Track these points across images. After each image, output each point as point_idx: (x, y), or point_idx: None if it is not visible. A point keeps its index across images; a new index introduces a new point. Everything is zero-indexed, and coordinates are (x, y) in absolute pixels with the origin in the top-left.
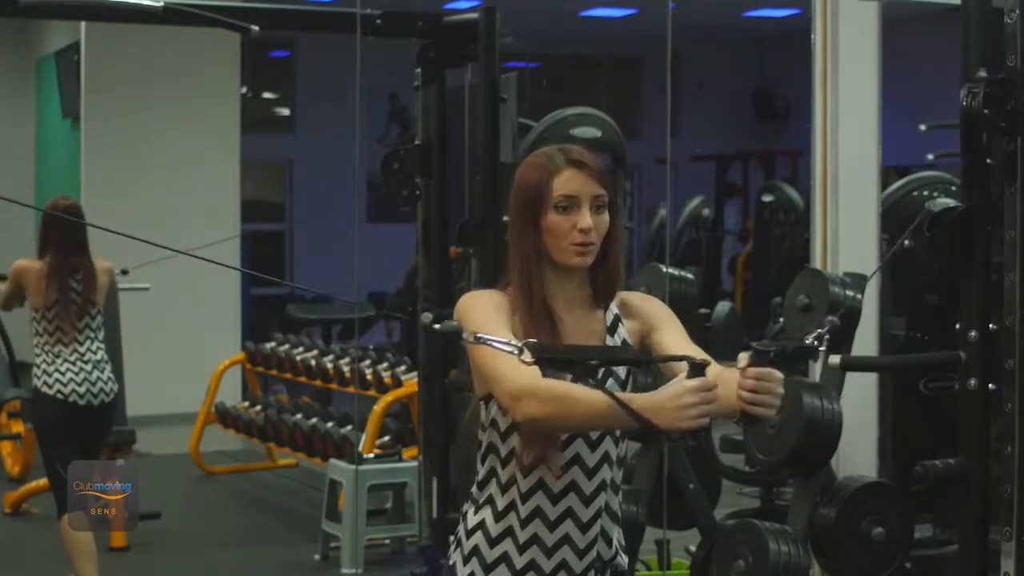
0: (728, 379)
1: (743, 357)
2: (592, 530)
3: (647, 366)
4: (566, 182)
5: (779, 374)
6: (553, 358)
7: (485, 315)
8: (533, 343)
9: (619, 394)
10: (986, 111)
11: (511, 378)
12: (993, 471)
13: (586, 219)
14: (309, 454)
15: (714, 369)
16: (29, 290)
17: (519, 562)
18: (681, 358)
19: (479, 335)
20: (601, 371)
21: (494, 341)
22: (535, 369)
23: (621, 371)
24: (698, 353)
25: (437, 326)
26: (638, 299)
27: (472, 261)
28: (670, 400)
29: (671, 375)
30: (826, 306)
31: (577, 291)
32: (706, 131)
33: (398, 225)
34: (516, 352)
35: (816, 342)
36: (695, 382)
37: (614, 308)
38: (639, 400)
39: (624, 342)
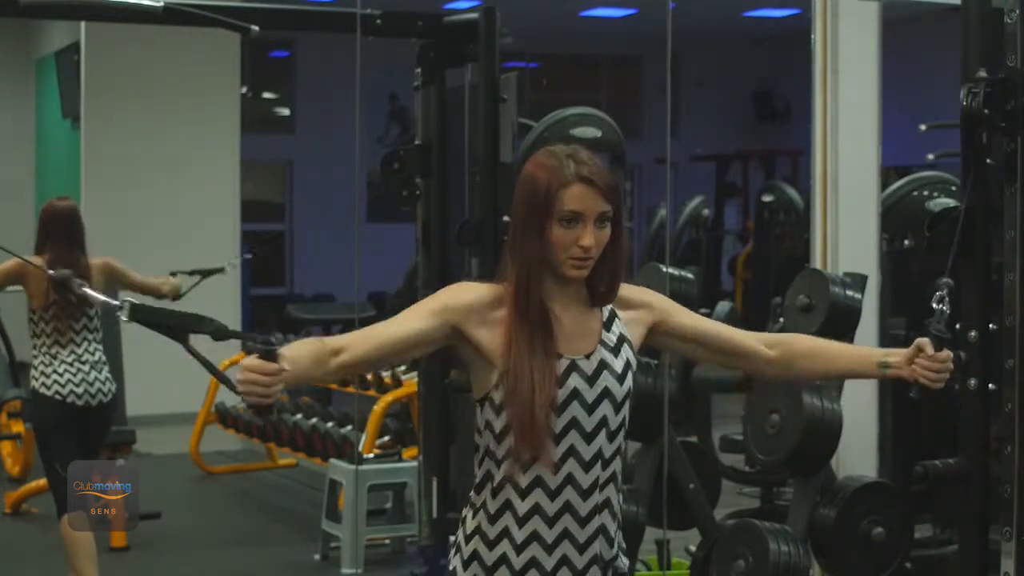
0: (819, 348)
1: (927, 342)
2: (591, 525)
3: (225, 339)
4: (574, 198)
5: (951, 354)
6: (145, 319)
7: (425, 302)
8: (132, 304)
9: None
10: (986, 111)
11: None
12: (993, 471)
13: (588, 238)
14: (309, 454)
15: (770, 338)
16: (28, 291)
17: (518, 562)
18: (247, 336)
19: (81, 285)
20: (565, 363)
21: (95, 296)
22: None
23: (617, 365)
24: (734, 328)
25: (51, 272)
26: (633, 291)
27: (472, 261)
28: (238, 371)
29: (735, 351)
30: (826, 306)
31: (576, 292)
32: (706, 131)
33: (398, 225)
34: (118, 310)
35: (943, 306)
36: (251, 361)
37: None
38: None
39: (620, 336)
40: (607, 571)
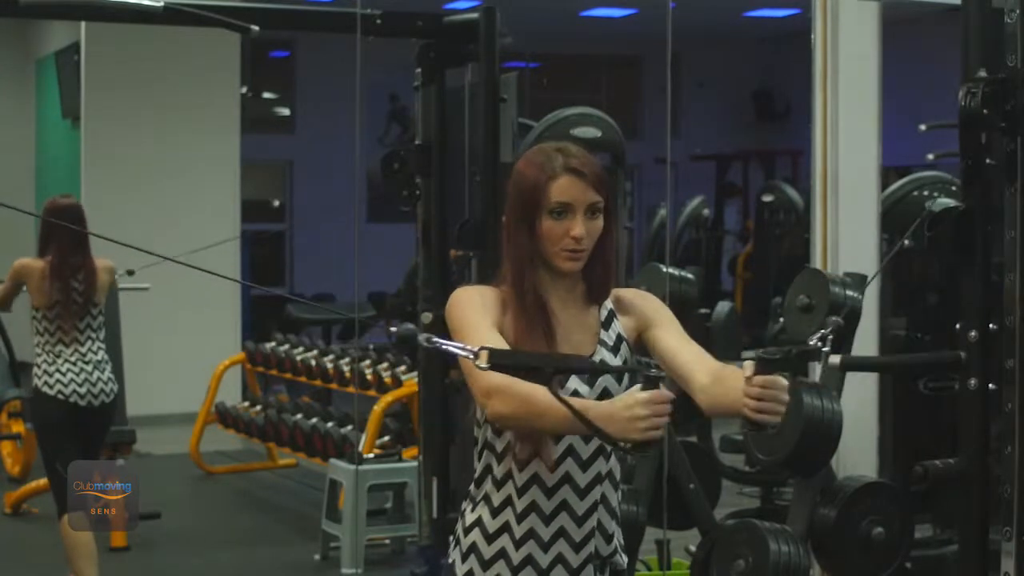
0: (728, 377)
1: (748, 366)
2: (588, 523)
3: (601, 375)
4: (562, 189)
5: (784, 381)
6: (508, 364)
7: (470, 311)
8: (489, 349)
9: (577, 401)
10: (986, 111)
11: (484, 374)
12: (993, 471)
13: (578, 228)
14: (309, 454)
15: (713, 367)
16: (31, 290)
17: (516, 557)
18: (634, 370)
19: (433, 339)
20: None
21: (450, 345)
22: None
23: (616, 364)
24: (698, 352)
25: (393, 328)
26: (634, 296)
27: (472, 262)
28: (622, 411)
29: (678, 373)
30: (826, 306)
31: (571, 289)
32: (706, 131)
33: (398, 225)
34: (472, 357)
35: (820, 343)
36: (647, 394)
37: (608, 304)
38: (595, 409)
39: (619, 336)
40: (604, 568)
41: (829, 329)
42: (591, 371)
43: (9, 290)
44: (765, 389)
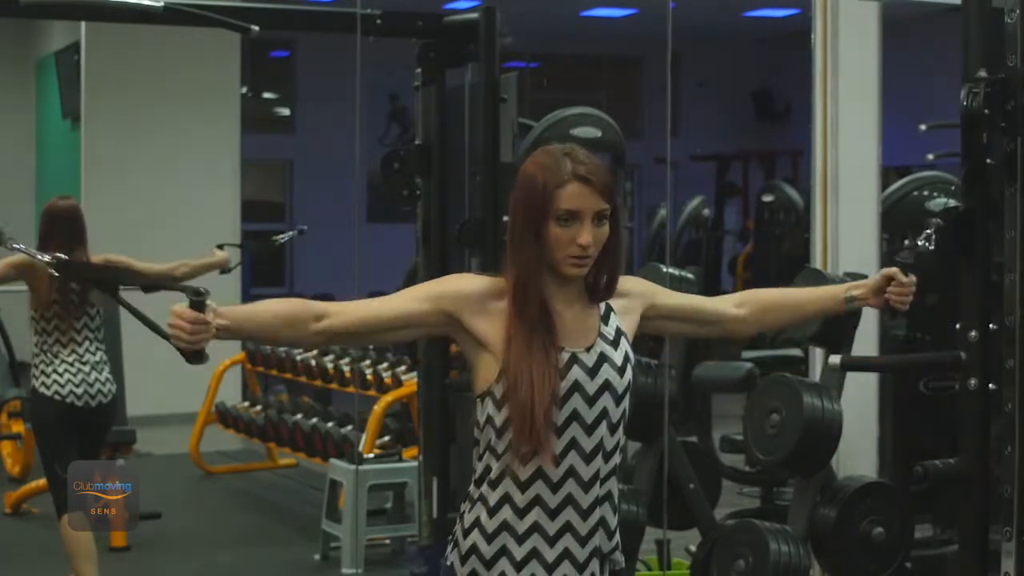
0: (780, 298)
1: (896, 271)
2: (593, 517)
3: (155, 290)
4: (570, 197)
5: (913, 278)
6: (78, 275)
7: (422, 288)
8: (61, 259)
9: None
10: (986, 111)
11: None
12: (993, 471)
13: (586, 236)
14: (309, 454)
15: (735, 299)
16: (31, 290)
17: (519, 553)
18: (182, 289)
19: (16, 244)
20: (566, 356)
21: (29, 251)
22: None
23: (617, 358)
24: (704, 297)
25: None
26: (620, 282)
27: (472, 261)
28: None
29: (703, 319)
30: None
31: (576, 290)
32: (706, 131)
33: (398, 225)
34: (50, 263)
35: (927, 243)
36: (178, 308)
37: None
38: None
39: (617, 330)
40: (604, 564)
41: (932, 230)
42: (150, 288)
43: (5, 270)
44: (911, 286)
